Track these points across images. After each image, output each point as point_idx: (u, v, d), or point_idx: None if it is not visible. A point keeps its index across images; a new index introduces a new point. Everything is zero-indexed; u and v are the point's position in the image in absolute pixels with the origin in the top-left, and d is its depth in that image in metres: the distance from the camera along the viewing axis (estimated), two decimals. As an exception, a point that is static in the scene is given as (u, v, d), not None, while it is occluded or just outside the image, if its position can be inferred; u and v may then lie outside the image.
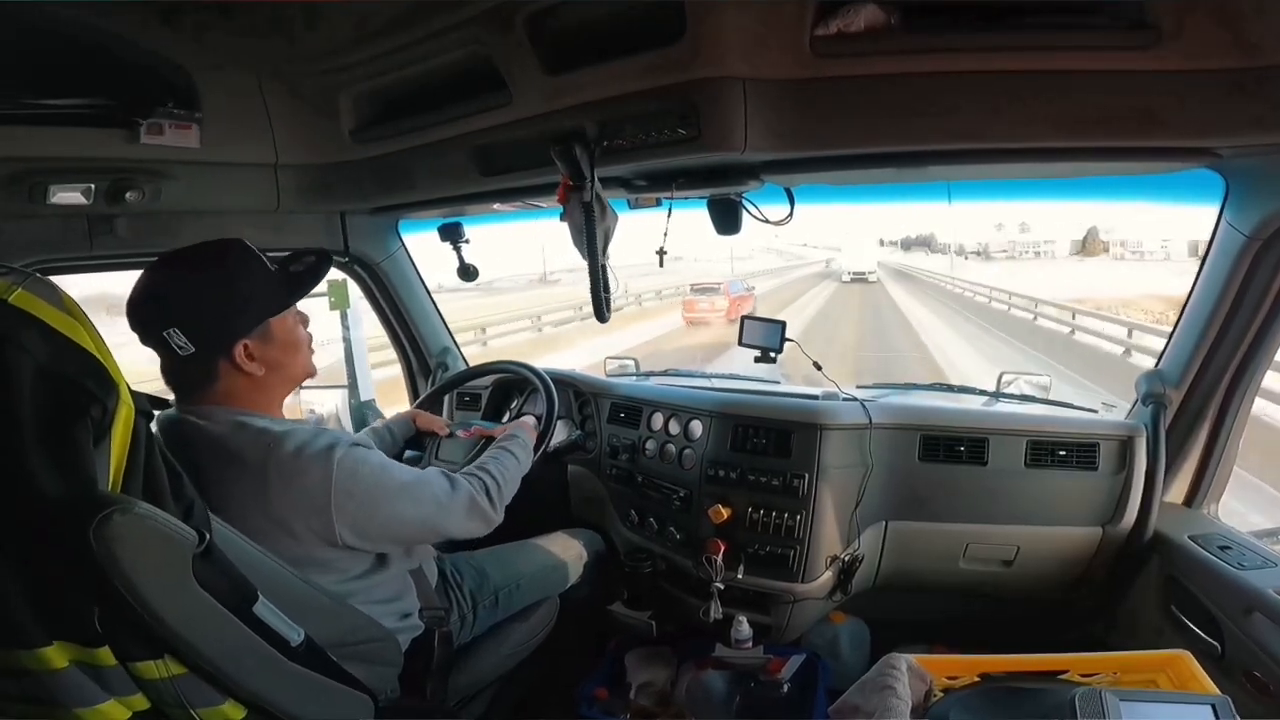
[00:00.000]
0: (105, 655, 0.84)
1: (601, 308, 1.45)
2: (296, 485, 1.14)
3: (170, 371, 1.18)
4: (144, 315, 1.13)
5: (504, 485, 1.42)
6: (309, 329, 1.31)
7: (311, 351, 1.31)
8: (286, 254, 1.29)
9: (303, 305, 1.31)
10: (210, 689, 0.93)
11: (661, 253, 1.62)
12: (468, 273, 2.06)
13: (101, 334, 0.82)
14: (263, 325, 1.19)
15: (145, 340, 1.14)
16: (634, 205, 1.62)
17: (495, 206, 1.98)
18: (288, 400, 1.34)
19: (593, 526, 2.04)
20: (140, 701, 0.88)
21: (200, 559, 0.88)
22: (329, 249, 2.03)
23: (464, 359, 2.44)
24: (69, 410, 0.77)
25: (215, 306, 1.14)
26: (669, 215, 1.61)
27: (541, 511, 1.91)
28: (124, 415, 0.81)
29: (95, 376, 0.79)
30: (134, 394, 0.84)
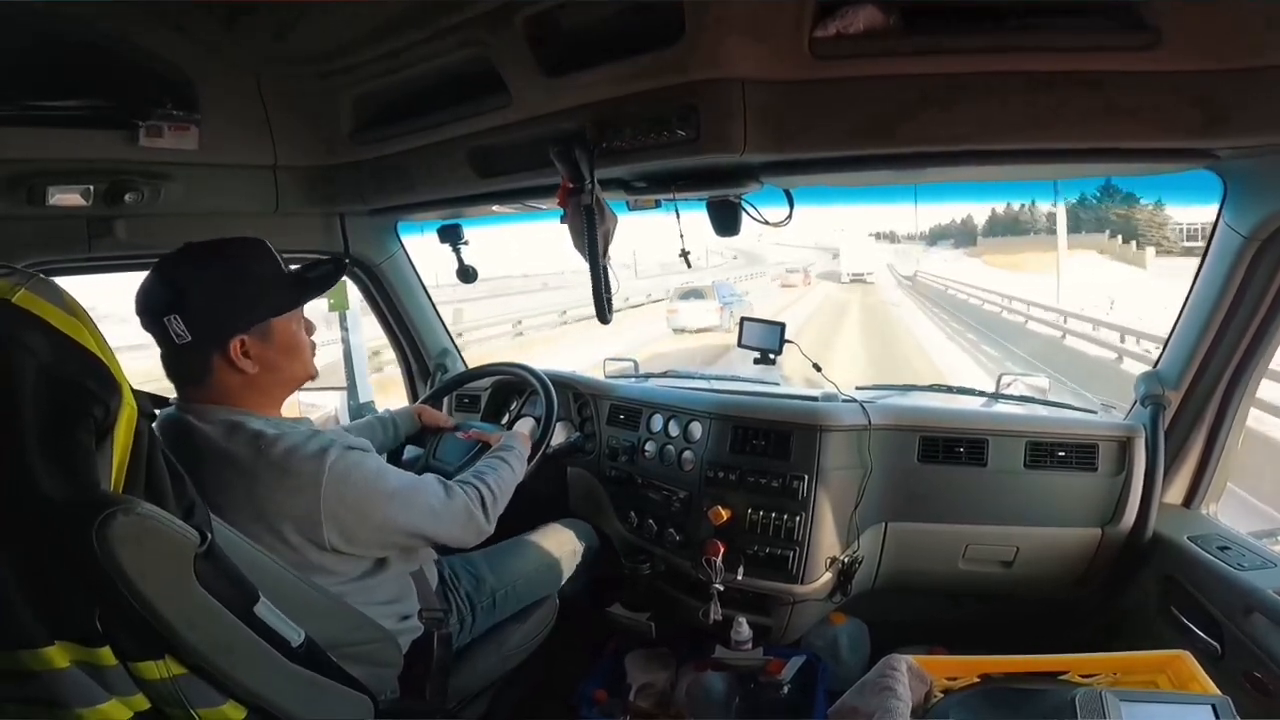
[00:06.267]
0: (106, 655, 0.84)
1: (604, 309, 1.45)
2: (286, 488, 1.14)
3: (168, 361, 1.18)
4: (150, 299, 1.14)
5: (499, 496, 1.42)
6: (313, 336, 1.31)
7: (313, 355, 1.31)
8: (305, 262, 1.31)
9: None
10: (211, 689, 0.93)
11: (685, 254, 1.62)
12: (467, 274, 2.07)
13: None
14: (264, 324, 1.19)
15: (146, 325, 1.14)
16: (633, 207, 1.62)
17: (494, 208, 1.99)
18: (287, 401, 1.33)
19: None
20: (141, 701, 0.88)
21: (202, 559, 0.87)
22: (329, 251, 2.04)
23: (463, 360, 2.44)
24: (71, 411, 0.77)
25: (219, 299, 1.14)
26: (678, 217, 1.60)
27: (541, 514, 1.91)
28: (126, 416, 0.81)
29: (98, 377, 0.79)
30: (136, 394, 0.84)
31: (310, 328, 1.30)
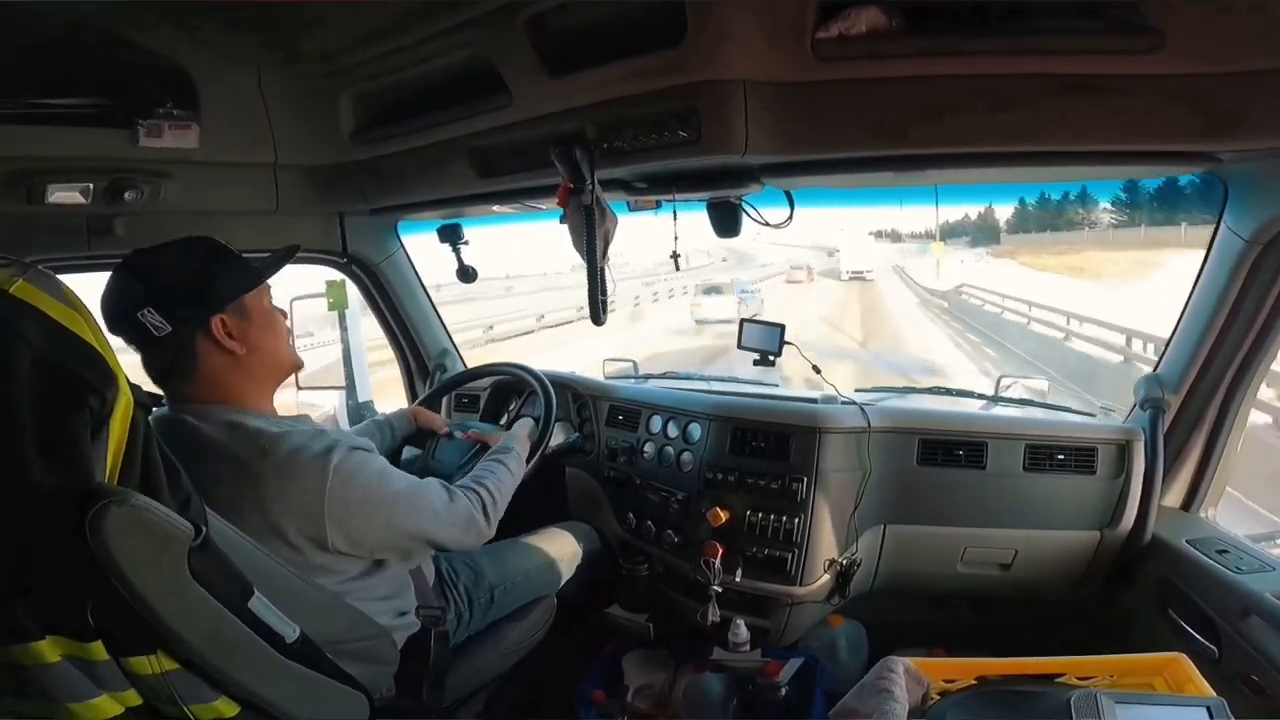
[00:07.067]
0: (98, 650, 0.83)
1: (598, 310, 1.45)
2: (291, 489, 1.13)
3: (151, 360, 1.16)
4: (117, 301, 1.11)
5: (499, 500, 1.42)
6: (287, 322, 1.31)
7: (292, 341, 1.31)
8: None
9: (301, 308, 1.31)
10: (203, 685, 0.92)
11: (675, 256, 1.61)
12: (466, 274, 2.07)
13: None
14: (238, 301, 1.19)
15: (119, 330, 1.11)
16: (633, 208, 1.62)
17: (494, 208, 1.99)
18: (286, 401, 1.33)
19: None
20: (133, 697, 0.88)
21: (196, 553, 0.87)
22: (328, 250, 2.04)
23: (462, 360, 2.43)
24: (67, 401, 0.76)
25: (188, 282, 1.14)
26: (675, 218, 1.60)
27: (539, 514, 1.91)
28: (122, 407, 0.81)
29: (94, 368, 0.78)
30: (133, 386, 0.84)
31: (281, 311, 1.30)
